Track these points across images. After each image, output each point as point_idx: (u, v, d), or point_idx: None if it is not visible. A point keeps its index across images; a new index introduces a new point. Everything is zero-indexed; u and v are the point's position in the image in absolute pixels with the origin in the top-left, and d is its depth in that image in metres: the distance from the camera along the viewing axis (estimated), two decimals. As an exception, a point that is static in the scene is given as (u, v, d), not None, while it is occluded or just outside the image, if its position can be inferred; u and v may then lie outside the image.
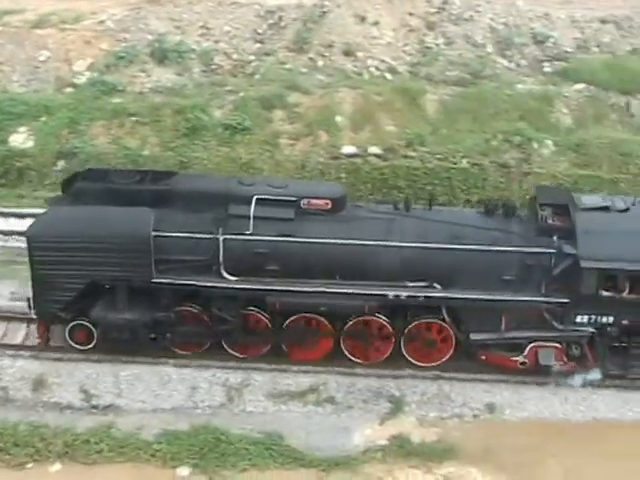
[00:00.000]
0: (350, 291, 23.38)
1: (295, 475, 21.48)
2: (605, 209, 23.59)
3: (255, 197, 23.37)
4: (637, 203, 24.04)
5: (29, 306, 24.22)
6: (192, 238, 23.31)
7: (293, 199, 23.62)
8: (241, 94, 35.31)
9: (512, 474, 21.63)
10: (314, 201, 23.67)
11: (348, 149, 33.52)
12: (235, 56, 38.37)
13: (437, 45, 39.19)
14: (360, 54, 38.18)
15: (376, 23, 39.01)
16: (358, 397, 23.72)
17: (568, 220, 23.54)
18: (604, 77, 37.87)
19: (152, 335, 24.20)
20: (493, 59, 39.21)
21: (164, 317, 23.82)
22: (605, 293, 22.91)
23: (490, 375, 24.60)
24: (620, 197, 25.03)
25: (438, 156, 33.46)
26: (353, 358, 24.69)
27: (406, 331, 24.27)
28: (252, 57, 38.33)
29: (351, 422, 23.08)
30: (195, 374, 24.20)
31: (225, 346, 24.70)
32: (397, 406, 23.58)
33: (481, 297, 23.34)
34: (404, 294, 23.37)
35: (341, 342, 24.49)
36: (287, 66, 37.41)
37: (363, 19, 38.94)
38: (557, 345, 24.10)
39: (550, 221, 23.75)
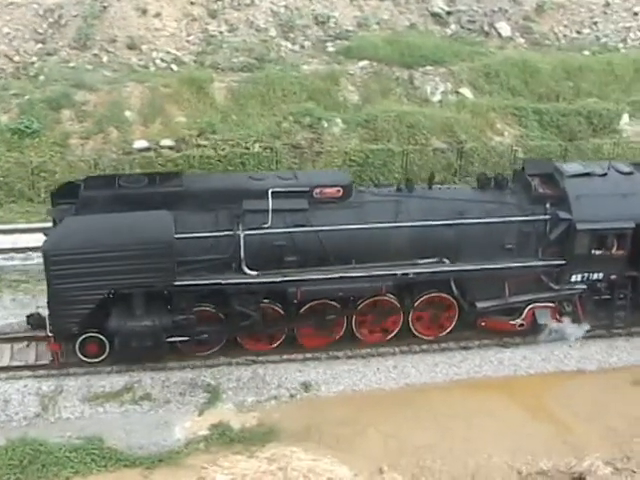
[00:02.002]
0: (368, 274, 23.95)
1: (119, 476, 21.17)
2: (587, 175, 25.43)
3: (270, 190, 23.46)
4: (610, 168, 25.88)
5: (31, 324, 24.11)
6: (211, 237, 23.19)
7: (306, 189, 23.94)
8: (27, 97, 34.46)
9: (334, 448, 21.98)
10: (326, 190, 24.11)
11: (140, 143, 33.26)
12: (17, 58, 37.37)
13: (221, 33, 39.32)
14: (144, 47, 37.93)
15: (158, 15, 38.80)
16: (174, 391, 23.62)
17: (557, 188, 25.08)
18: (386, 53, 38.91)
19: (169, 339, 23.72)
20: (277, 42, 39.67)
21: (184, 320, 23.42)
22: (596, 252, 24.74)
23: (302, 354, 24.97)
24: (596, 163, 27.22)
25: (230, 142, 33.67)
26: (364, 339, 25.29)
27: (414, 307, 25.10)
28: (34, 58, 37.46)
29: (170, 416, 22.96)
30: (6, 386, 23.53)
31: (240, 341, 24.74)
32: (214, 395, 23.59)
33: (488, 267, 24.62)
34: (420, 271, 24.31)
35: (354, 325, 24.99)
36: (71, 64, 36.74)
37: (145, 12, 38.66)
38: (551, 305, 25.60)
39: (541, 190, 25.12)
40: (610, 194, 24.93)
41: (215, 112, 34.92)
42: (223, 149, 33.43)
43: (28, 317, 24.97)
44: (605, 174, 25.59)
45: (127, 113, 34.15)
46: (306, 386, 24.05)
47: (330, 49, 39.97)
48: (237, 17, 39.95)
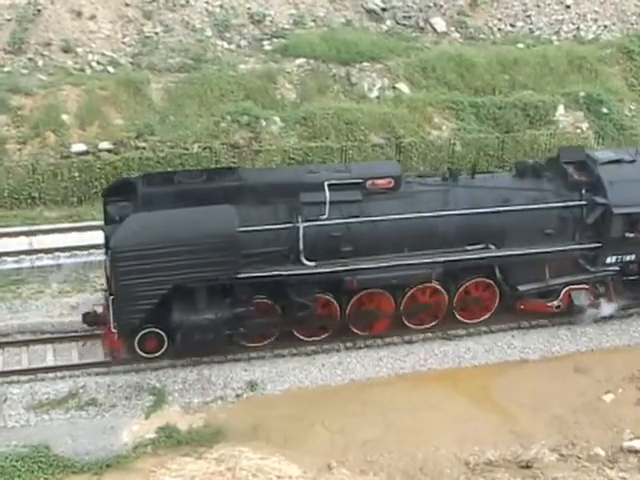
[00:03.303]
0: (420, 261, 24.87)
1: (67, 483, 21.16)
2: (618, 162, 26.66)
3: (326, 183, 24.07)
4: (638, 154, 27.14)
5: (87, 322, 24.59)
6: (272, 230, 23.82)
7: (360, 181, 24.60)
8: (-39, 103, 34.02)
9: (281, 446, 22.08)
10: (378, 181, 24.79)
11: (78, 147, 32.85)
12: (-51, 64, 36.89)
13: (156, 34, 39.02)
14: (80, 50, 37.49)
15: (93, 17, 38.38)
16: (120, 395, 23.52)
17: (591, 174, 26.23)
18: (323, 50, 38.88)
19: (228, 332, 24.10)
20: (213, 42, 39.47)
21: (245, 312, 23.85)
22: (629, 234, 25.95)
23: (247, 353, 25.03)
24: (623, 150, 29.02)
25: (169, 144, 33.48)
26: (410, 325, 26.06)
27: (458, 293, 25.89)
28: (-32, 64, 36.94)
29: (117, 421, 22.87)
30: (-52, 397, 23.33)
31: (296, 332, 25.23)
32: (160, 397, 23.55)
33: (532, 251, 25.73)
34: (471, 257, 25.32)
35: (402, 313, 25.73)
36: (6, 69, 36.16)
37: (79, 14, 38.21)
38: (586, 286, 26.60)
39: (576, 177, 26.21)
40: None
41: (153, 113, 34.69)
42: (162, 150, 33.23)
43: (84, 315, 24.99)
44: (634, 160, 26.83)
45: (64, 117, 33.77)
46: (252, 385, 24.09)
47: (267, 48, 39.88)
48: (172, 18, 39.73)
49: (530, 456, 21.93)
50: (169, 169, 32.50)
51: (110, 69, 36.96)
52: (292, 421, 22.83)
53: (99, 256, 28.70)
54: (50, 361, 24.66)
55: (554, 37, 44.57)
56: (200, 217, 22.93)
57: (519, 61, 40.72)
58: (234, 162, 33.49)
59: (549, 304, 26.63)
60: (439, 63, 39.48)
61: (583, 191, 26.09)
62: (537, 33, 44.68)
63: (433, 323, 26.23)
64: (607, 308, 26.92)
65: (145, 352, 24.30)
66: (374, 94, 37.85)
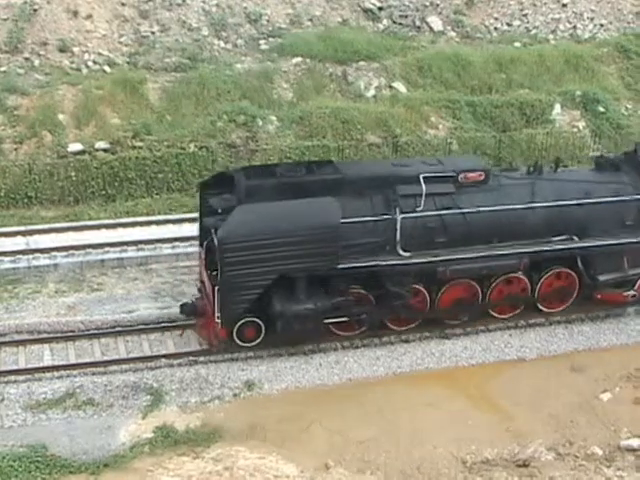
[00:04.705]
0: (510, 251, 25.68)
1: (64, 483, 21.13)
2: None
3: (422, 176, 24.72)
4: None
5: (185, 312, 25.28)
6: (371, 221, 24.46)
7: (453, 174, 25.23)
8: (-43, 102, 34.02)
9: (279, 445, 22.00)
10: (470, 174, 25.47)
11: (74, 147, 32.87)
12: (-53, 64, 36.87)
13: (153, 33, 39.09)
14: (76, 49, 37.53)
15: (89, 17, 38.42)
16: (117, 394, 23.47)
17: None
18: (319, 49, 38.99)
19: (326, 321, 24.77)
20: (210, 42, 39.56)
21: (343, 302, 24.51)
22: None
23: (244, 353, 24.98)
24: None
25: (166, 143, 33.47)
26: (496, 314, 26.74)
27: (541, 283, 26.53)
28: (-36, 63, 36.92)
29: (114, 420, 22.82)
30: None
31: (388, 323, 25.83)
32: (157, 397, 23.49)
33: (615, 242, 26.51)
34: (558, 248, 26.12)
35: (487, 303, 26.39)
36: (2, 69, 36.17)
37: (75, 13, 38.25)
38: None
39: None
40: None
41: (149, 113, 34.71)
42: (159, 150, 33.24)
43: (182, 306, 25.47)
44: None
45: (60, 116, 33.79)
46: (249, 385, 24.04)
47: (263, 47, 39.96)
48: (169, 17, 39.79)
49: (527, 455, 21.92)
50: (165, 169, 32.68)
51: (106, 69, 36.98)
52: (289, 421, 22.79)
53: (96, 256, 28.92)
54: (47, 361, 24.62)
55: (551, 36, 44.63)
56: (305, 209, 23.64)
57: (515, 60, 40.78)
58: (231, 161, 33.56)
59: (625, 294, 27.25)
60: (435, 62, 39.55)
61: None
62: (534, 32, 44.73)
63: (515, 312, 26.97)
64: None
65: (243, 341, 24.80)
66: (371, 93, 37.89)
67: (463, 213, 25.23)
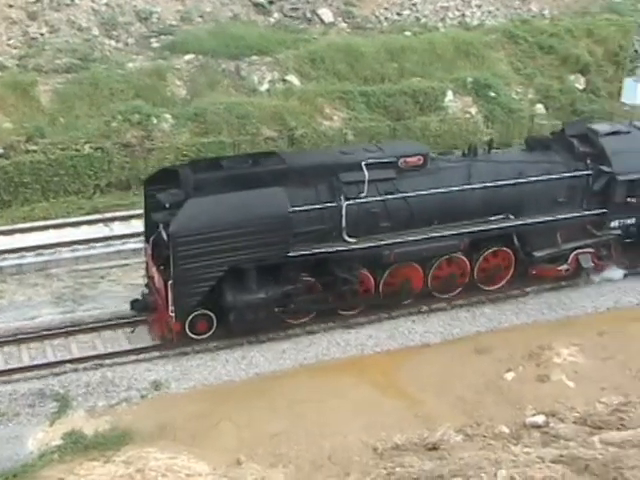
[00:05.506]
0: (452, 232, 26.41)
1: (-28, 496, 20.75)
2: (616, 133, 28.60)
3: (364, 163, 25.15)
4: (630, 126, 29.41)
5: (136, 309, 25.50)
6: (318, 209, 24.91)
7: (393, 160, 25.76)
8: None
9: (190, 444, 21.89)
10: (409, 159, 26.06)
11: (-33, 152, 32.36)
12: None
13: (42, 34, 38.56)
14: (-36, 53, 36.91)
15: (-27, 20, 37.81)
16: (23, 403, 23.07)
17: (594, 146, 28.08)
18: (211, 45, 38.94)
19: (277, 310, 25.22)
20: (100, 41, 39.21)
21: (293, 289, 25.03)
22: (631, 199, 28.01)
23: (150, 353, 24.88)
24: (618, 123, 30.82)
25: (60, 146, 33.03)
26: (437, 294, 27.40)
27: (479, 262, 27.31)
28: None
29: (21, 429, 22.46)
30: None
31: (338, 309, 26.36)
32: (64, 403, 23.16)
33: (548, 219, 27.50)
34: (496, 227, 26.98)
35: (429, 284, 26.97)
36: None
37: (-42, 17, 37.61)
38: (591, 250, 28.45)
39: (581, 148, 28.01)
40: (638, 148, 28.10)
41: (42, 116, 34.21)
42: (53, 153, 32.78)
43: (133, 302, 25.56)
44: (629, 132, 28.90)
45: (-50, 122, 33.21)
46: (156, 385, 23.88)
47: (155, 45, 39.73)
48: (58, 18, 39.27)
49: (436, 438, 22.19)
50: (61, 172, 32.29)
51: (-5, 72, 36.36)
52: (199, 419, 22.70)
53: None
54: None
55: (440, 24, 45.29)
56: (254, 200, 23.96)
57: (407, 49, 41.23)
58: (127, 161, 33.33)
59: (559, 268, 28.30)
60: (328, 54, 39.75)
61: (588, 161, 27.87)
62: (423, 20, 45.32)
63: (456, 292, 27.66)
64: (616, 271, 29.03)
65: (196, 334, 25.01)
66: (264, 87, 37.96)
67: (404, 197, 25.82)
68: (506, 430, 22.51)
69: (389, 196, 25.68)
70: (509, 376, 24.60)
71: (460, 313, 27.25)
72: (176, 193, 24.44)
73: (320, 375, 24.40)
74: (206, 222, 23.33)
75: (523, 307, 27.72)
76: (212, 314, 24.91)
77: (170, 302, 24.03)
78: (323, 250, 25.10)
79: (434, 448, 21.95)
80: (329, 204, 25.08)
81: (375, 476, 20.51)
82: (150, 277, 25.85)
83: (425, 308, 27.18)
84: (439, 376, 24.48)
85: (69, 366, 24.31)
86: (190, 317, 24.63)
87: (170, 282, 23.78)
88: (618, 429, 21.49)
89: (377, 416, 22.93)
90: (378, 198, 25.56)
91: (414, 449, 21.95)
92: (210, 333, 25.18)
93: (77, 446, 21.87)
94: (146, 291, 26.09)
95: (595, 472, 17.91)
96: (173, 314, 24.18)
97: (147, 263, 26.15)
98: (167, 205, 24.26)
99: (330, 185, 25.15)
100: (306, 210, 24.78)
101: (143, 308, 25.67)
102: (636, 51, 41.56)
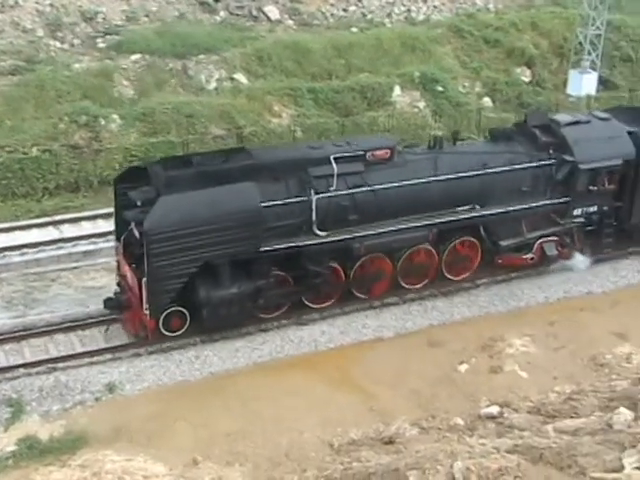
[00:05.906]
0: (420, 224, 26.75)
1: None
2: (577, 123, 29.05)
3: (332, 157, 25.40)
4: (590, 116, 29.97)
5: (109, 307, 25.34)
6: (289, 203, 25.07)
7: (361, 153, 26.01)
8: None
9: (146, 445, 21.80)
10: (377, 152, 26.33)
11: None
12: None
13: (-16, 37, 38.22)
14: None
15: None
16: (-25, 409, 23.03)
17: (556, 135, 28.55)
18: (158, 45, 38.84)
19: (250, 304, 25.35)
20: (46, 42, 38.95)
21: (265, 284, 25.20)
22: (593, 188, 28.53)
23: (103, 356, 24.72)
24: (578, 113, 31.49)
25: (7, 149, 32.84)
26: (406, 285, 27.74)
27: (446, 252, 27.73)
28: None
29: (-26, 436, 22.36)
30: None
31: (306, 301, 26.53)
32: (18, 408, 22.93)
33: (511, 209, 27.85)
34: (465, 217, 27.36)
35: (398, 275, 27.39)
36: None
37: None
38: (555, 238, 28.93)
39: (544, 138, 28.46)
40: (598, 137, 28.61)
41: (-13, 119, 33.95)
42: (0, 156, 32.52)
43: (106, 300, 25.41)
44: (589, 121, 29.33)
45: None
46: (110, 387, 23.75)
47: (101, 45, 39.53)
48: (2, 19, 38.97)
49: (392, 432, 22.26)
50: (8, 175, 32.02)
51: (-61, 76, 35.97)
52: (154, 419, 22.63)
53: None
54: None
55: (386, 20, 45.45)
56: (226, 196, 24.06)
57: (354, 45, 41.37)
58: (75, 163, 33.12)
59: (524, 257, 28.76)
60: (275, 51, 39.81)
61: (551, 151, 28.35)
62: (370, 16, 45.46)
63: (425, 282, 27.94)
64: (581, 259, 29.39)
65: (169, 331, 25.08)
66: (212, 86, 37.95)
67: (372, 190, 26.06)
68: (461, 422, 22.63)
69: (358, 189, 25.92)
70: (463, 368, 24.80)
71: (412, 307, 27.39)
72: (147, 190, 24.45)
73: (274, 373, 24.42)
74: (179, 219, 23.41)
75: (475, 299, 27.93)
76: (185, 311, 24.99)
77: (144, 299, 24.08)
78: (294, 244, 25.32)
79: (390, 442, 22.01)
80: (299, 198, 25.27)
81: (332, 471, 20.48)
82: (122, 275, 25.72)
83: (378, 303, 27.27)
84: (393, 370, 24.60)
85: (22, 370, 24.08)
86: (163, 314, 24.68)
87: (144, 279, 23.84)
88: (571, 417, 21.58)
89: (332, 412, 23.00)
90: (347, 191, 25.81)
91: (370, 444, 22.01)
92: (184, 330, 25.25)
93: (32, 451, 21.70)
94: (118, 290, 25.95)
95: (550, 460, 17.96)
96: (147, 311, 24.24)
97: (118, 262, 26.01)
98: (139, 203, 24.25)
99: (300, 179, 25.37)
100: (277, 205, 24.93)
101: (116, 306, 25.58)
102: (580, 43, 41.90)
